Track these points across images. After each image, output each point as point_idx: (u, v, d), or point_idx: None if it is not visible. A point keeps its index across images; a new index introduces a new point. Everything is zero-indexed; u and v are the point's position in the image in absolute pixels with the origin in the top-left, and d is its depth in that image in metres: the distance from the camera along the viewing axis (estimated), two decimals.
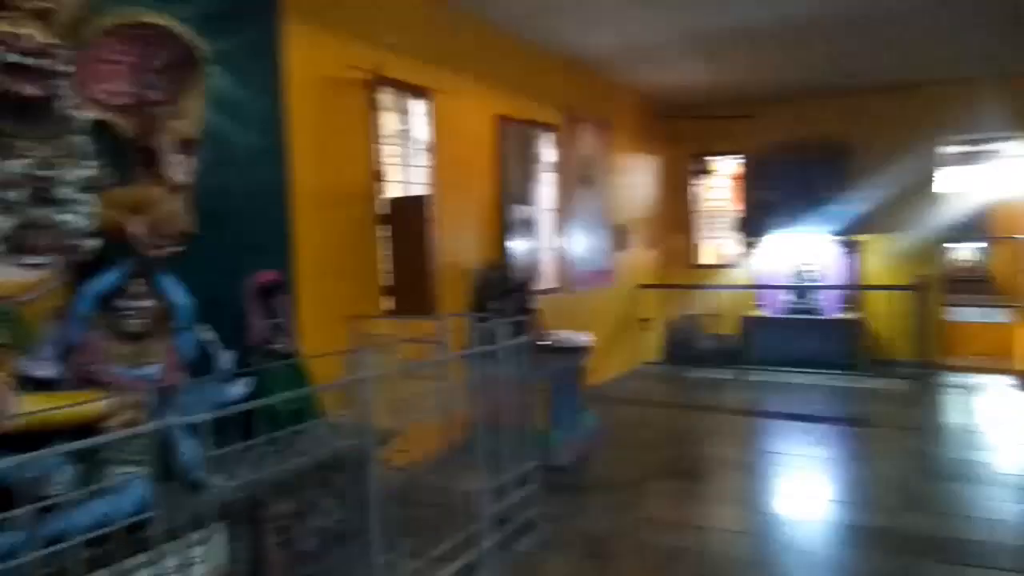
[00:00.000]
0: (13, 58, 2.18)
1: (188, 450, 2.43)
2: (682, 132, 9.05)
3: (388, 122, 4.64)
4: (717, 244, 9.43)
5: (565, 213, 6.78)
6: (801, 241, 8.44)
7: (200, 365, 2.67)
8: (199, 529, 2.09)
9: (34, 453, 1.86)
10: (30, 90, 2.24)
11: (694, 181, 9.35)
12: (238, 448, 2.17)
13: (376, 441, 2.67)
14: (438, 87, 4.92)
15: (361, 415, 2.64)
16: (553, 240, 6.69)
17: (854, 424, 6.09)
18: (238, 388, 2.66)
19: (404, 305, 4.33)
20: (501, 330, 3.59)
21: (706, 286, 8.91)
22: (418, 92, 4.83)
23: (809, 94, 8.29)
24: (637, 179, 8.56)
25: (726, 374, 7.95)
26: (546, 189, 6.58)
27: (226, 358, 2.72)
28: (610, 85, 7.65)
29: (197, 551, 2.11)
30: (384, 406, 2.80)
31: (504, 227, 5.79)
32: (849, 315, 8.14)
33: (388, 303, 4.46)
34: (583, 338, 5.18)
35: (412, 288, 4.35)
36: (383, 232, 4.45)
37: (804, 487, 4.60)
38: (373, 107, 4.39)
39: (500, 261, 5.60)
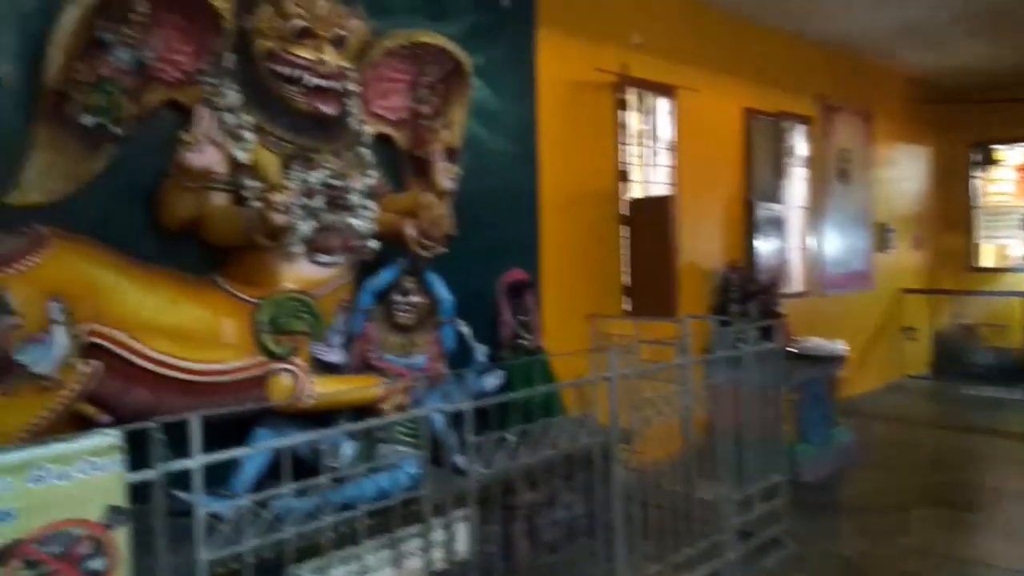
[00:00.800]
0: (316, 81, 2.50)
1: (449, 435, 2.65)
2: (958, 119, 8.01)
3: (632, 122, 4.64)
4: (1001, 244, 8.23)
5: (818, 211, 6.33)
6: None
7: (458, 357, 2.89)
8: (459, 508, 2.26)
9: (330, 430, 2.14)
10: (329, 109, 2.55)
11: (973, 173, 8.25)
12: (493, 437, 2.31)
13: (619, 440, 2.69)
14: (683, 84, 4.83)
15: (604, 413, 2.68)
16: (804, 240, 6.27)
17: None
18: (493, 379, 2.83)
19: (643, 306, 4.32)
20: (745, 335, 3.45)
21: (986, 292, 7.83)
22: (662, 90, 4.78)
23: None
24: (903, 172, 7.74)
25: (1007, 393, 6.93)
26: (797, 185, 6.19)
27: (481, 351, 2.90)
28: (871, 70, 6.99)
29: (456, 528, 2.28)
30: (623, 406, 2.82)
31: (750, 226, 5.54)
32: None
33: (627, 303, 4.48)
34: (837, 346, 4.80)
35: (652, 289, 4.33)
36: (624, 232, 4.47)
37: None
38: (618, 108, 4.42)
39: (745, 262, 5.37)
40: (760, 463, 3.49)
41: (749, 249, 5.51)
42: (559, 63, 3.92)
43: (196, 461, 1.60)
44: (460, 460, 2.41)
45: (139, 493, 1.56)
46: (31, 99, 2.16)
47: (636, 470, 2.90)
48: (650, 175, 4.81)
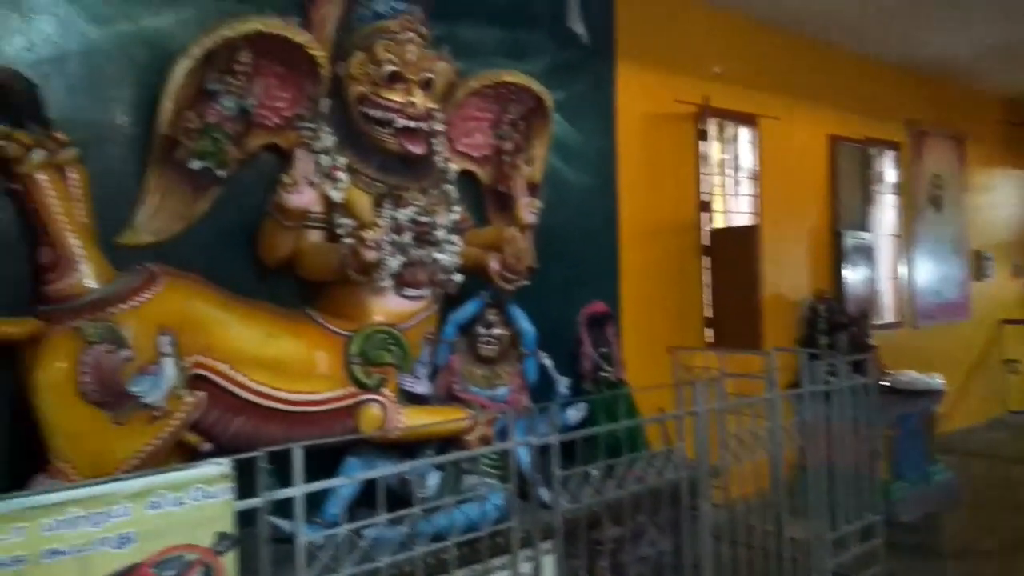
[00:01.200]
0: (405, 123, 2.59)
1: (534, 468, 2.65)
2: None
3: (712, 152, 4.61)
4: None
5: (909, 239, 6.10)
6: None
7: (541, 389, 2.90)
8: (545, 541, 2.26)
9: (420, 460, 2.18)
10: (417, 149, 2.64)
11: None
12: (577, 470, 2.31)
13: (707, 476, 2.65)
14: (765, 112, 4.78)
15: (690, 448, 2.64)
16: (895, 269, 6.05)
17: None
18: (575, 412, 2.83)
19: (726, 338, 4.24)
20: (836, 368, 3.34)
21: None
22: (744, 119, 4.74)
23: None
24: (999, 197, 7.39)
25: None
26: (887, 213, 5.99)
27: (564, 383, 2.91)
28: (963, 93, 6.73)
29: (544, 561, 2.28)
30: (710, 441, 2.77)
31: (837, 255, 5.39)
32: None
33: (709, 335, 4.41)
34: (934, 380, 4.59)
35: (736, 320, 4.25)
36: (705, 263, 4.42)
37: None
38: (698, 139, 4.41)
39: (833, 292, 5.21)
40: (853, 502, 3.35)
41: (837, 279, 5.35)
42: (638, 96, 3.95)
43: (298, 490, 1.67)
44: (545, 493, 2.42)
45: (241, 518, 1.63)
46: (145, 146, 2.31)
47: (723, 507, 2.84)
48: (732, 205, 4.76)
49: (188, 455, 2.16)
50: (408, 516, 1.98)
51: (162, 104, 2.25)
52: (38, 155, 2.02)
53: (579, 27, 3.51)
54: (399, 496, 2.32)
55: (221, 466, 1.54)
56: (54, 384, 1.95)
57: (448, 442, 2.61)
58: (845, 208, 5.47)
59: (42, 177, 2.02)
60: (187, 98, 2.28)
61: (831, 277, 5.34)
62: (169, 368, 2.09)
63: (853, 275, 5.47)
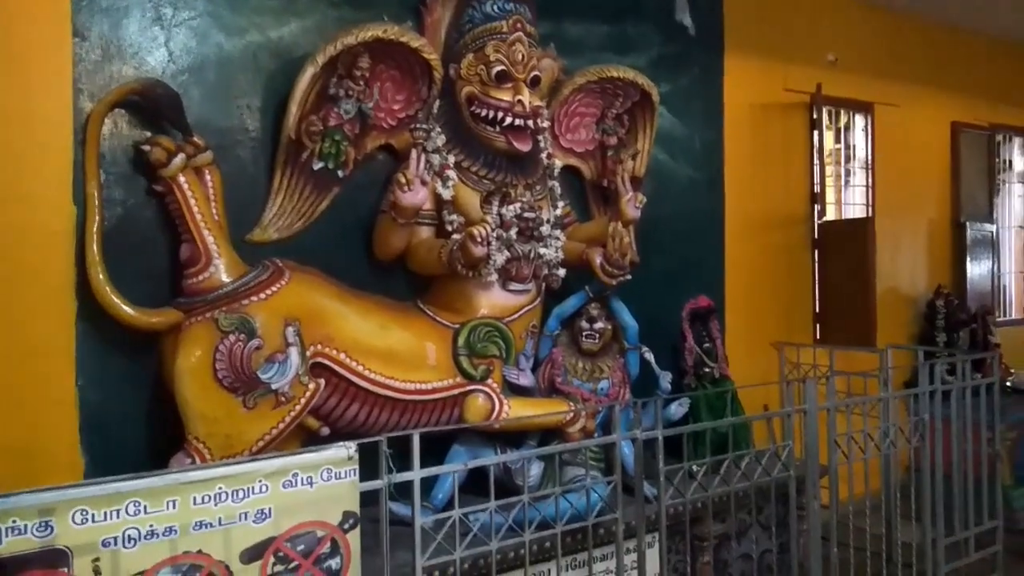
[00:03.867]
0: (513, 121, 2.65)
1: (635, 462, 2.68)
2: None
3: (825, 142, 4.45)
4: None
5: None
6: None
7: (643, 383, 2.92)
8: (647, 535, 2.29)
9: (527, 450, 2.26)
10: (523, 146, 2.70)
11: None
12: (680, 466, 2.33)
13: (814, 475, 2.60)
14: (881, 99, 4.57)
15: (799, 447, 2.60)
16: (1022, 262, 5.67)
17: None
18: (678, 408, 2.83)
19: (837, 334, 4.11)
20: (954, 367, 3.20)
21: None
22: (858, 107, 4.55)
23: None
24: None
25: None
26: (1014, 203, 5.62)
27: (667, 378, 2.92)
28: None
29: (647, 554, 2.31)
30: (819, 440, 2.71)
31: (958, 248, 5.10)
32: None
33: (818, 331, 4.28)
34: None
35: (847, 316, 4.11)
36: (814, 257, 4.28)
37: None
38: (809, 128, 4.27)
39: (952, 288, 4.94)
40: (971, 507, 3.21)
41: (958, 273, 5.07)
42: (746, 86, 3.87)
43: (417, 474, 1.77)
44: (648, 488, 2.44)
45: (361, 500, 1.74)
46: (272, 149, 2.48)
47: (832, 508, 2.78)
48: (845, 196, 4.59)
49: (308, 438, 2.32)
50: (516, 503, 2.05)
51: (288, 109, 2.40)
52: (180, 159, 2.20)
53: (686, 19, 3.48)
54: (502, 484, 2.40)
55: (348, 449, 1.65)
56: (192, 370, 2.13)
57: (550, 433, 2.67)
58: (968, 198, 5.16)
59: (183, 179, 2.20)
60: (310, 103, 2.42)
61: (951, 271, 5.06)
62: (294, 356, 2.24)
63: (976, 269, 5.17)
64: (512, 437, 2.68)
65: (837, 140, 4.63)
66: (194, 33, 2.37)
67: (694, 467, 2.39)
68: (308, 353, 2.30)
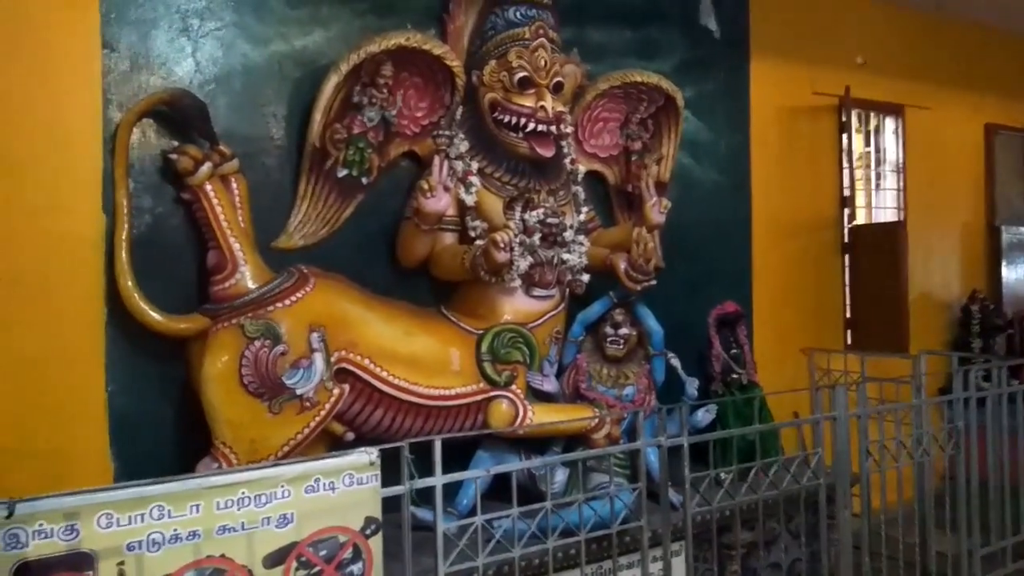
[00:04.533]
0: (535, 127, 2.65)
1: (661, 469, 2.65)
2: None
3: (854, 145, 4.39)
4: None
5: None
6: None
7: (668, 389, 2.89)
8: (673, 543, 2.26)
9: (550, 457, 2.24)
10: (546, 152, 2.69)
11: None
12: (707, 473, 2.29)
13: (845, 484, 2.55)
14: (912, 102, 4.49)
15: (829, 454, 2.55)
16: None
17: None
18: (705, 414, 2.80)
19: (868, 340, 4.03)
20: (990, 373, 3.12)
21: None
22: (888, 110, 4.48)
23: None
24: None
25: None
26: None
27: (693, 384, 2.88)
28: None
29: (673, 562, 2.28)
30: (850, 448, 2.66)
31: (994, 253, 4.99)
32: None
33: (849, 337, 4.20)
34: None
35: (878, 322, 4.03)
36: (844, 261, 4.22)
37: None
38: (837, 131, 4.21)
39: (988, 292, 4.83)
40: (1008, 516, 3.12)
41: (993, 278, 4.95)
42: (773, 89, 3.83)
43: (439, 480, 1.76)
44: (674, 495, 2.41)
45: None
46: (297, 157, 2.50)
47: (864, 517, 2.72)
48: (876, 200, 4.52)
49: (332, 444, 2.33)
50: (539, 510, 2.04)
51: (312, 117, 2.42)
52: (207, 167, 2.23)
53: (711, 22, 3.45)
54: (526, 490, 2.39)
55: (369, 455, 1.65)
56: (219, 376, 2.15)
57: (575, 440, 2.65)
58: (1003, 201, 5.04)
59: (210, 187, 2.23)
60: (335, 111, 2.44)
61: (986, 275, 4.95)
62: (319, 362, 2.26)
63: (1012, 273, 5.04)
64: (536, 443, 2.66)
65: (867, 143, 4.56)
66: (220, 43, 2.40)
67: (721, 475, 2.36)
68: (333, 359, 2.31)
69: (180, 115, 2.28)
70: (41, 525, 1.34)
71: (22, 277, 2.11)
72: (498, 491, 2.34)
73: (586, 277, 2.81)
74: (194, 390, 2.20)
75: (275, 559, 1.53)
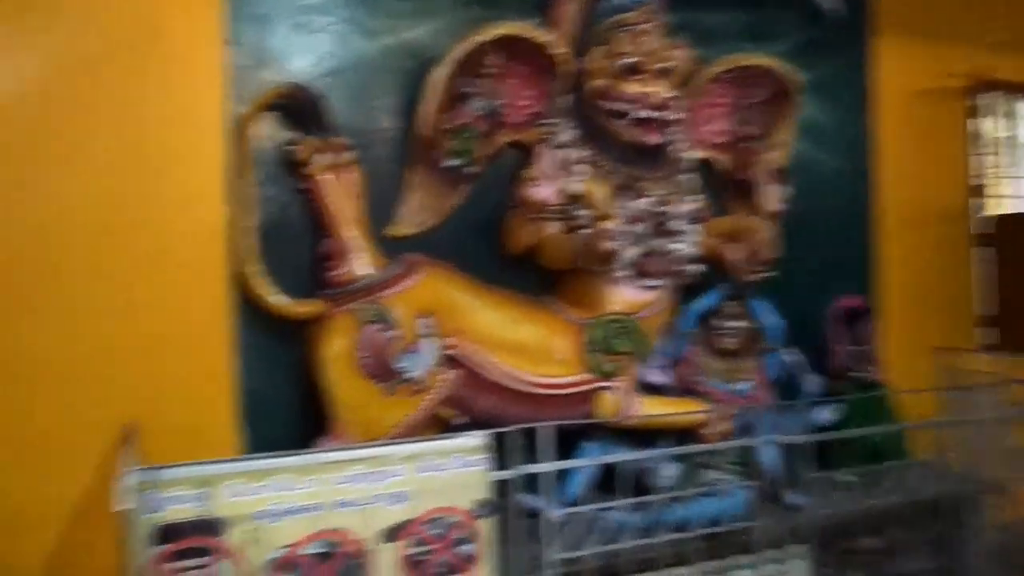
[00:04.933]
0: (643, 114, 2.59)
1: (778, 468, 2.53)
2: None
3: (990, 130, 4.07)
4: None
5: None
6: None
7: (786, 386, 2.76)
8: (792, 545, 2.15)
9: (662, 450, 2.18)
10: (654, 139, 2.63)
11: None
12: (828, 474, 2.17)
13: (985, 491, 2.35)
14: None
15: (967, 460, 2.37)
16: None
17: None
18: (827, 413, 2.65)
19: (1014, 339, 3.71)
20: None
21: None
22: None
23: None
24: None
25: None
26: None
27: (813, 382, 2.74)
28: None
29: (789, 566, 2.17)
30: (989, 453, 2.46)
31: None
32: None
33: (988, 336, 3.89)
34: None
35: None
36: (983, 254, 3.90)
37: None
38: (971, 115, 3.91)
39: None
40: None
41: None
42: (898, 71, 3.59)
43: (548, 467, 1.74)
44: (792, 496, 2.29)
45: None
46: (406, 148, 2.54)
47: (1004, 527, 2.51)
48: (1019, 188, 4.17)
49: (442, 428, 2.35)
50: (651, 503, 1.98)
51: (421, 108, 2.46)
52: (323, 158, 2.30)
53: (831, 2, 3.28)
54: (635, 484, 2.33)
55: (479, 438, 1.65)
56: (336, 358, 2.22)
57: (685, 434, 2.57)
58: None
59: (327, 178, 2.30)
60: (442, 102, 2.46)
61: None
62: (429, 348, 2.29)
63: None
64: (644, 437, 2.60)
65: (1001, 128, 4.21)
66: (335, 37, 2.47)
67: (845, 476, 2.22)
68: (442, 345, 2.34)
69: (298, 108, 2.36)
70: (175, 492, 1.41)
71: (155, 264, 2.24)
72: (605, 483, 2.30)
73: (697, 267, 2.72)
74: (312, 371, 2.28)
75: (389, 535, 1.55)
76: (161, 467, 1.40)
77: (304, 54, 2.43)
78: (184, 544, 1.39)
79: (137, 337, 2.21)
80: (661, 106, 2.61)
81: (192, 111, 2.30)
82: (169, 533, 1.40)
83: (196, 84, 2.30)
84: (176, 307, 2.26)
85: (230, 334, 2.31)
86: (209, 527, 1.42)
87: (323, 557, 1.49)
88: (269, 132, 2.37)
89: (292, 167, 2.35)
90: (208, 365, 2.29)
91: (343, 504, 1.52)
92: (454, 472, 1.61)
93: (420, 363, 2.27)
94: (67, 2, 2.17)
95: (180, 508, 1.41)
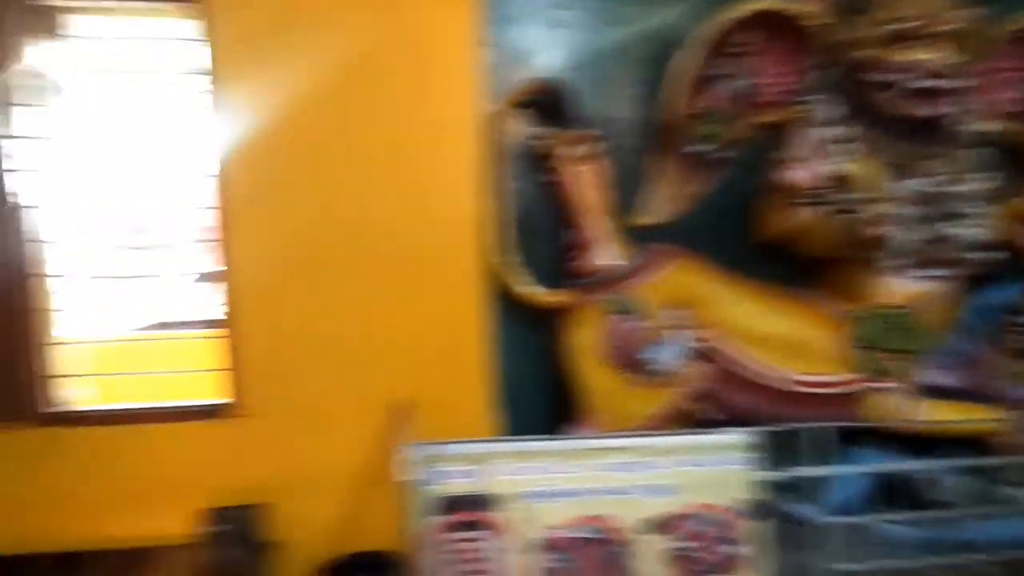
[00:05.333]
0: (916, 84, 2.31)
1: None
2: None
3: None
4: None
5: None
6: None
7: None
8: None
9: (946, 461, 1.93)
10: (929, 111, 2.34)
11: None
12: None
13: None
14: None
15: None
16: None
17: None
18: None
19: None
20: None
21: None
22: None
23: None
24: None
25: None
26: None
27: None
28: None
29: None
30: None
31: None
32: None
33: None
34: None
35: None
36: None
37: None
38: None
39: None
40: None
41: None
42: None
43: (825, 470, 1.62)
44: None
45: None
46: (652, 135, 2.49)
47: None
48: None
49: (688, 422, 2.28)
50: (935, 519, 1.76)
51: (668, 94, 2.40)
52: (572, 150, 2.34)
53: None
54: (913, 496, 2.10)
55: (744, 436, 1.57)
56: (584, 347, 2.26)
57: (973, 444, 2.26)
58: None
59: (576, 169, 2.33)
60: (689, 86, 2.38)
61: None
62: (678, 340, 2.23)
63: None
64: (922, 445, 2.32)
65: None
66: (583, 30, 2.49)
67: None
68: (691, 338, 2.27)
69: (547, 103, 2.41)
70: (452, 467, 1.49)
71: (417, 256, 2.40)
72: (875, 493, 2.08)
73: (987, 255, 2.38)
74: (563, 359, 2.32)
75: (653, 526, 1.53)
76: (443, 443, 1.49)
77: (552, 49, 2.48)
78: (463, 516, 1.47)
79: (404, 324, 2.39)
80: (937, 74, 2.32)
81: (448, 111, 2.43)
82: (450, 505, 1.48)
83: (452, 85, 2.43)
84: (437, 296, 2.41)
85: (486, 322, 2.42)
86: (483, 502, 1.49)
87: (587, 542, 1.50)
88: (519, 127, 2.44)
89: (541, 160, 2.41)
90: (466, 350, 2.41)
91: (606, 492, 1.52)
92: (715, 469, 1.54)
93: (667, 355, 2.22)
94: (336, 16, 2.37)
95: (457, 483, 1.49)
